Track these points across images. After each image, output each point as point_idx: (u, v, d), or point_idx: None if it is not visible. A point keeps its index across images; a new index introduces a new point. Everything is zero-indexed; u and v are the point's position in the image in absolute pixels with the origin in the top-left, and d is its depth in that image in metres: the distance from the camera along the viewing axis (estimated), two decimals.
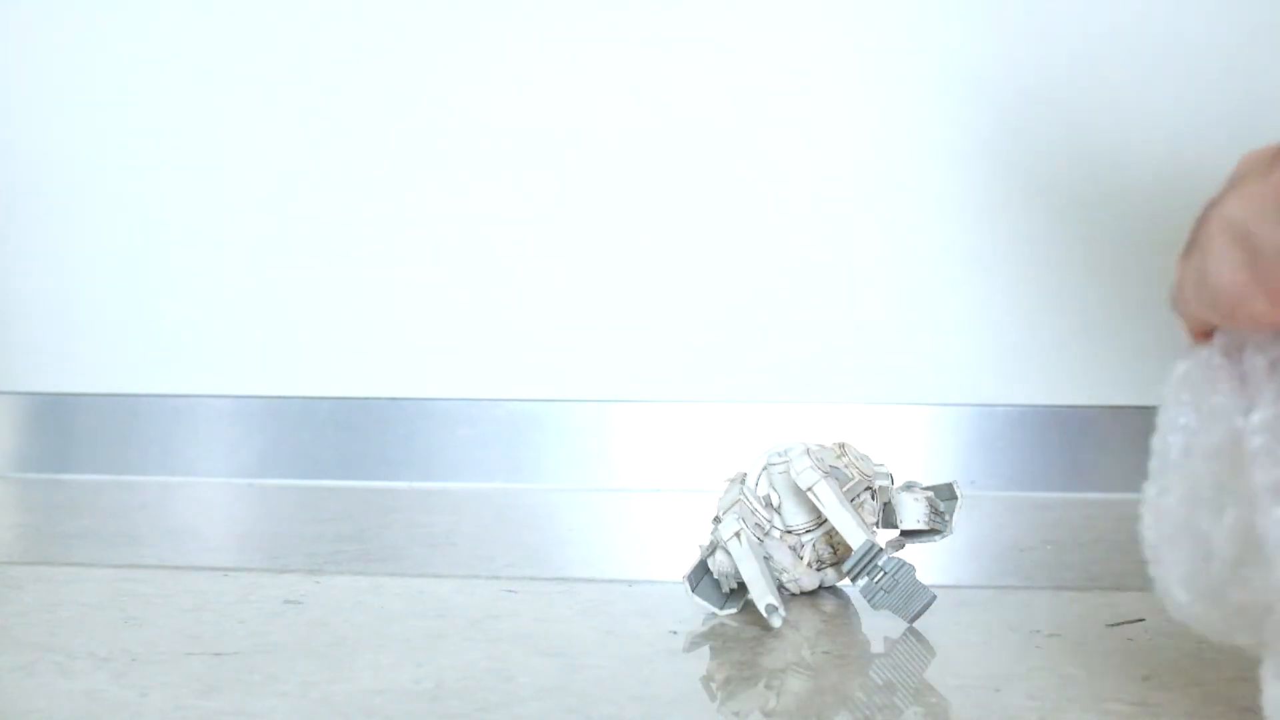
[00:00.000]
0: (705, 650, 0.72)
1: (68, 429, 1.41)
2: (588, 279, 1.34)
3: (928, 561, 0.94)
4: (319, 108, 1.37)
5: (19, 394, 1.42)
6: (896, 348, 1.31)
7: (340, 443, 1.36)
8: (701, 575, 0.80)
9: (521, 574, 0.91)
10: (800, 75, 1.31)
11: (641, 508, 1.23)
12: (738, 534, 0.78)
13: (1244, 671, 0.66)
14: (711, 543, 0.80)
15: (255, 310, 1.39)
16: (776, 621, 0.74)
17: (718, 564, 0.79)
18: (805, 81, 1.31)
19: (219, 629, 0.75)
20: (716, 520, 0.82)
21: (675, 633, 0.75)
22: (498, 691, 0.63)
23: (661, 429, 1.32)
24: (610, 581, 0.88)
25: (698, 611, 0.79)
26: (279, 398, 1.38)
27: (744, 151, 1.32)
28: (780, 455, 0.82)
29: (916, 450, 1.28)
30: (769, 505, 0.82)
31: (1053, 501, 1.22)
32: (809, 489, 0.77)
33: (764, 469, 0.83)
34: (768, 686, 0.65)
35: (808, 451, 0.79)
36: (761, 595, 0.75)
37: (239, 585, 0.86)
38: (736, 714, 0.61)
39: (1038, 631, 0.74)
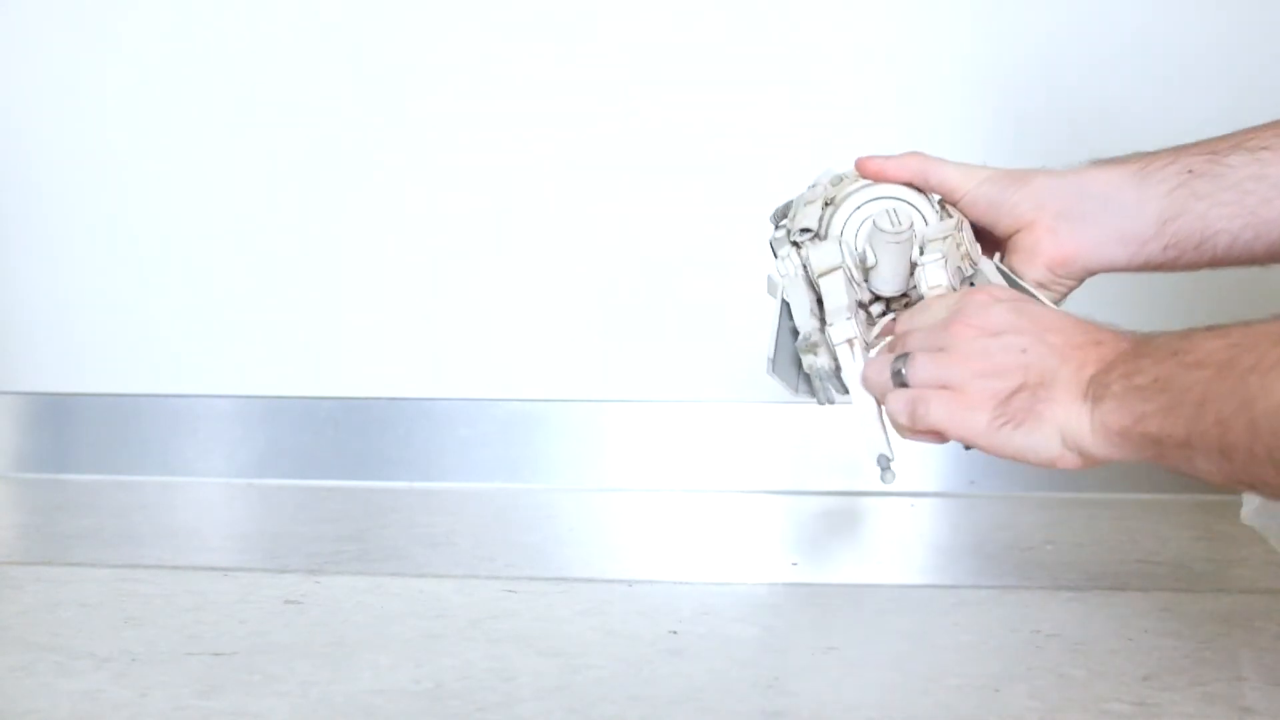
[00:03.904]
0: (705, 650, 0.72)
1: (68, 429, 1.41)
2: (587, 279, 1.34)
3: (929, 561, 0.94)
4: (318, 108, 1.37)
5: (19, 394, 1.42)
6: None
7: (340, 443, 1.36)
8: (781, 355, 0.72)
9: (521, 574, 0.91)
10: (798, 78, 1.31)
11: (641, 508, 1.23)
12: (850, 341, 0.70)
13: (1244, 672, 0.66)
14: (807, 336, 0.71)
15: (255, 310, 1.39)
16: (889, 480, 0.69)
17: (816, 364, 0.71)
18: (803, 85, 1.31)
19: (219, 629, 0.75)
20: (795, 245, 0.73)
21: (675, 633, 0.74)
22: (498, 691, 0.63)
23: (661, 429, 1.32)
24: (610, 581, 0.88)
25: (697, 611, 0.79)
26: (279, 398, 1.37)
27: (744, 151, 1.32)
28: (896, 216, 0.71)
29: (917, 449, 1.28)
30: (862, 265, 0.73)
31: (1053, 501, 1.22)
32: (929, 288, 0.70)
33: (875, 229, 0.72)
34: (768, 686, 0.65)
35: (945, 244, 0.70)
36: (875, 443, 0.68)
37: (239, 585, 0.86)
38: (736, 714, 0.61)
39: (1038, 631, 0.74)
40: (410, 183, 1.36)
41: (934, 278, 0.71)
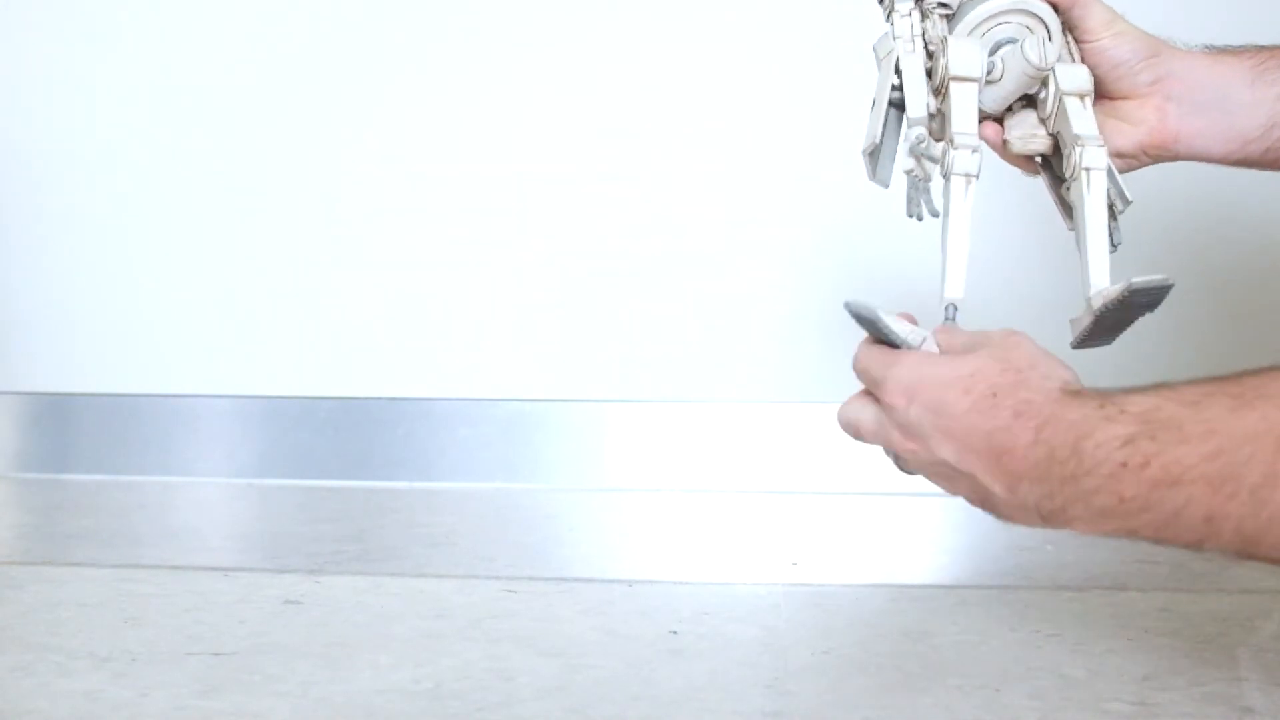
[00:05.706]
0: (705, 650, 0.72)
1: (68, 429, 1.41)
2: (587, 280, 1.34)
3: (929, 561, 0.94)
4: (318, 108, 1.37)
5: (19, 394, 1.42)
6: None
7: (340, 443, 1.36)
8: (886, 145, 0.72)
9: (521, 574, 0.91)
10: (792, 77, 1.31)
11: (641, 508, 1.23)
12: (968, 177, 0.71)
13: (1243, 672, 0.66)
14: (921, 140, 0.71)
15: (255, 310, 1.39)
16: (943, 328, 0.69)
17: (921, 173, 0.71)
18: (805, 85, 1.31)
19: (219, 629, 0.75)
20: (923, 12, 0.71)
21: (675, 633, 0.75)
22: (498, 691, 0.63)
23: (661, 429, 1.32)
24: (610, 581, 0.88)
25: (697, 611, 0.79)
26: (279, 398, 1.37)
27: (742, 152, 1.32)
28: (1045, 50, 0.69)
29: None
30: (986, 73, 0.70)
31: None
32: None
33: (1023, 55, 0.69)
34: (768, 686, 0.65)
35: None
36: (952, 288, 0.71)
37: (239, 585, 0.86)
38: (736, 714, 0.61)
39: (1038, 631, 0.74)
40: (410, 183, 1.36)
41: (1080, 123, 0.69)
